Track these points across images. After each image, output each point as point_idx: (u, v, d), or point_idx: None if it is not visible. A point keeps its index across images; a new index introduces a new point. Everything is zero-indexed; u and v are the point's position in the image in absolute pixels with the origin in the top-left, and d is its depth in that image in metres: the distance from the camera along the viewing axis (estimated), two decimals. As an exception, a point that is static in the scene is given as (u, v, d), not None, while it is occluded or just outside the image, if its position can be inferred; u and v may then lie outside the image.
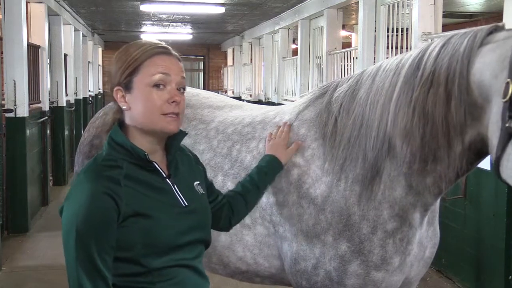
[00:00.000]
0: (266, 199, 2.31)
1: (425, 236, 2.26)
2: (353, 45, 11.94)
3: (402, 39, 6.31)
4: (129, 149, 1.67)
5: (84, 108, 13.10)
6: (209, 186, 1.99)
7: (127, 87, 1.69)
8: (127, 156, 1.67)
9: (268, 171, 2.22)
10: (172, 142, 1.77)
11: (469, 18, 11.61)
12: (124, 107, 1.70)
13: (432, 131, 1.97)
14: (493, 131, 1.82)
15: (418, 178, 2.07)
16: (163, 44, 1.74)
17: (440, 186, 2.08)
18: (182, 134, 1.79)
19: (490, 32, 1.93)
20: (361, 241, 2.12)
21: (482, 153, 1.99)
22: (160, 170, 1.72)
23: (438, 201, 2.30)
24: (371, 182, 2.11)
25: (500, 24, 1.98)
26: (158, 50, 1.70)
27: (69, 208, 1.60)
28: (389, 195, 2.11)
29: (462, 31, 2.03)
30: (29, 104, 7.20)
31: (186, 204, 1.74)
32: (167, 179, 1.73)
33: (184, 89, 1.73)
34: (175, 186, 1.74)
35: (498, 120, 1.80)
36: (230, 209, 2.06)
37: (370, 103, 2.12)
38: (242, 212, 2.12)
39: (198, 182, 1.86)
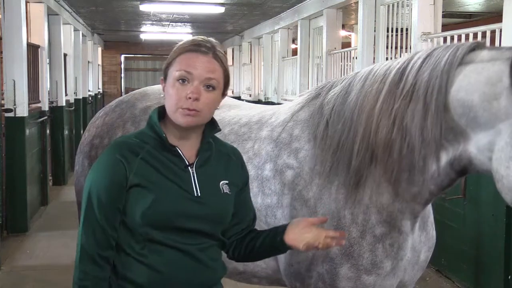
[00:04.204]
0: (261, 201, 2.30)
1: (418, 242, 2.26)
2: (352, 45, 11.94)
3: (401, 39, 6.32)
4: (157, 127, 1.80)
5: (83, 108, 13.10)
6: (241, 197, 1.94)
7: (165, 77, 1.84)
8: (156, 135, 1.81)
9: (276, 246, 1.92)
10: (206, 135, 1.87)
11: (469, 18, 11.61)
12: (161, 95, 1.86)
13: (409, 145, 1.97)
14: (500, 160, 1.79)
15: (403, 187, 2.06)
16: (202, 42, 1.82)
17: (425, 197, 2.08)
18: (214, 128, 1.89)
19: (472, 49, 1.93)
20: (350, 244, 2.12)
21: (465, 172, 1.99)
22: (183, 157, 1.81)
23: (430, 207, 2.31)
24: (356, 187, 2.10)
25: (481, 41, 1.99)
26: (190, 48, 1.80)
27: (91, 173, 1.81)
28: (376, 200, 2.11)
29: (445, 44, 2.04)
30: (29, 104, 7.19)
31: (199, 194, 1.80)
32: (188, 167, 1.81)
33: (213, 87, 1.78)
34: (195, 176, 1.81)
35: (506, 149, 1.77)
36: (240, 241, 1.96)
37: (358, 107, 2.11)
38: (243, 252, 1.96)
39: (227, 182, 1.88)
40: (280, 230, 1.89)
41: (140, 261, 1.76)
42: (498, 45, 4.71)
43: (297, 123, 2.36)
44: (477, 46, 1.94)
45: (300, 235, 1.82)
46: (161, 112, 1.86)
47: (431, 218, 2.35)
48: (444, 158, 1.96)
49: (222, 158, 1.93)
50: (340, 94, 2.23)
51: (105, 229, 1.75)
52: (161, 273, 1.76)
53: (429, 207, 2.30)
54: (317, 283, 2.19)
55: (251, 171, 2.39)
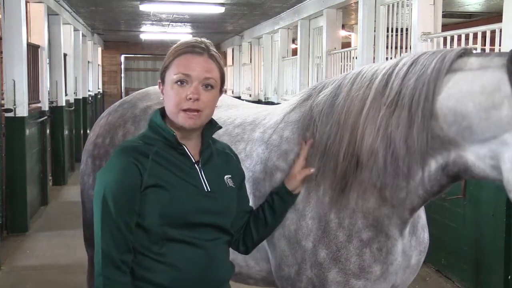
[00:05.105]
0: (252, 203, 2.30)
1: (409, 246, 2.24)
2: (352, 45, 11.94)
3: (401, 39, 6.33)
4: (163, 129, 1.84)
5: (83, 108, 13.09)
6: (241, 192, 2.09)
7: (162, 81, 1.89)
8: (161, 136, 1.85)
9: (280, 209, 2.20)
10: (205, 134, 1.92)
11: (469, 18, 11.62)
12: (161, 98, 1.90)
13: (393, 153, 1.96)
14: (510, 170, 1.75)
15: (390, 192, 2.05)
16: (196, 43, 1.86)
17: (414, 202, 2.07)
18: (213, 126, 1.95)
19: (459, 56, 1.89)
20: (338, 249, 2.11)
21: (457, 178, 1.97)
22: (190, 154, 1.88)
23: (421, 211, 2.29)
24: (342, 191, 2.09)
25: (468, 47, 1.95)
26: (185, 50, 1.84)
27: (102, 178, 1.81)
28: (362, 205, 2.10)
29: (431, 51, 2.01)
30: (29, 104, 7.19)
31: (209, 189, 1.87)
32: (195, 165, 1.88)
33: (211, 86, 1.84)
34: (202, 172, 1.88)
35: None
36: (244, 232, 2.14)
37: (345, 111, 2.09)
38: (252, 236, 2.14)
39: (230, 176, 1.98)
40: (282, 191, 2.13)
41: (158, 261, 1.80)
42: (498, 45, 4.72)
43: (288, 125, 2.34)
44: (464, 53, 1.91)
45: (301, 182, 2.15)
46: (162, 113, 1.89)
47: (421, 222, 2.33)
48: (433, 164, 1.95)
49: (221, 155, 2.01)
50: (329, 96, 2.21)
51: (124, 232, 1.76)
52: (180, 270, 1.80)
53: (419, 211, 2.28)
54: (307, 287, 2.18)
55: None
